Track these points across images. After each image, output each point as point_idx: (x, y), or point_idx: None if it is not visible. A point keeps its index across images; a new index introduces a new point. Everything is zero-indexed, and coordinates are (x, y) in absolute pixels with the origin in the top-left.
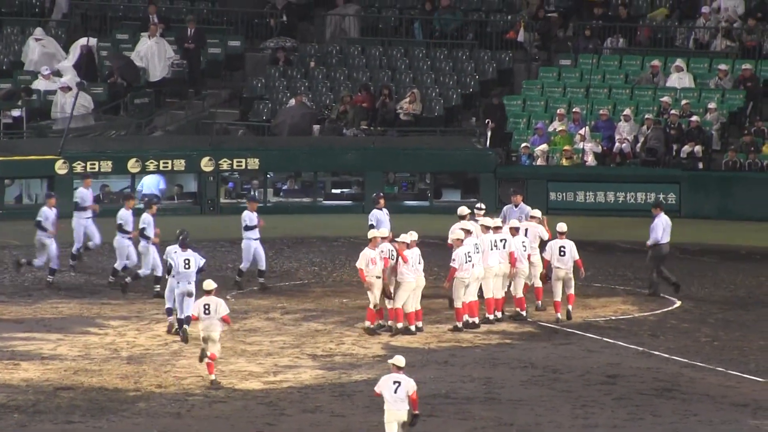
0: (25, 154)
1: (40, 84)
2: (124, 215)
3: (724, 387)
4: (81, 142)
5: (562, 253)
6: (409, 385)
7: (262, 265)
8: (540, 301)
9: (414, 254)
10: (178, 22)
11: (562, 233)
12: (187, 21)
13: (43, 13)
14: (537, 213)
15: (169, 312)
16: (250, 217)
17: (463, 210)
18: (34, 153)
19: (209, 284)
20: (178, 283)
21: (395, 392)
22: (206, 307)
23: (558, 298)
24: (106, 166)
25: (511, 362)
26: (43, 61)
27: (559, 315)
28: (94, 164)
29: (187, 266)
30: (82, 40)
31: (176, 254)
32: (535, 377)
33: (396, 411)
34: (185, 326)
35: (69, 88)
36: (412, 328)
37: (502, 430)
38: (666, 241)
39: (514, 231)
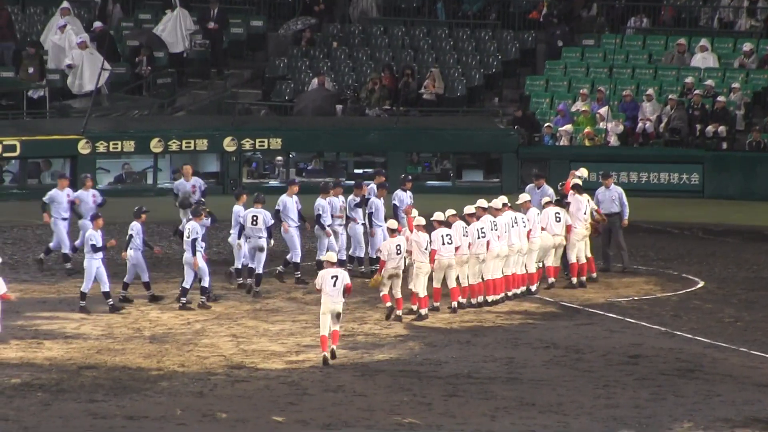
0: (48, 133)
1: (54, 38)
2: (56, 195)
3: (747, 367)
4: (104, 122)
5: (557, 219)
6: (345, 277)
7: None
8: (553, 279)
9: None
10: (201, 1)
11: (548, 202)
12: (211, 1)
13: None
14: (582, 173)
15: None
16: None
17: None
18: (57, 133)
19: (393, 223)
20: (249, 238)
21: (334, 285)
22: (398, 247)
23: (573, 260)
24: (129, 145)
25: (533, 342)
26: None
27: (574, 280)
28: (117, 144)
29: (254, 222)
30: (97, 24)
31: (246, 211)
32: (557, 357)
33: (333, 303)
34: (254, 286)
35: (86, 45)
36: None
37: (523, 410)
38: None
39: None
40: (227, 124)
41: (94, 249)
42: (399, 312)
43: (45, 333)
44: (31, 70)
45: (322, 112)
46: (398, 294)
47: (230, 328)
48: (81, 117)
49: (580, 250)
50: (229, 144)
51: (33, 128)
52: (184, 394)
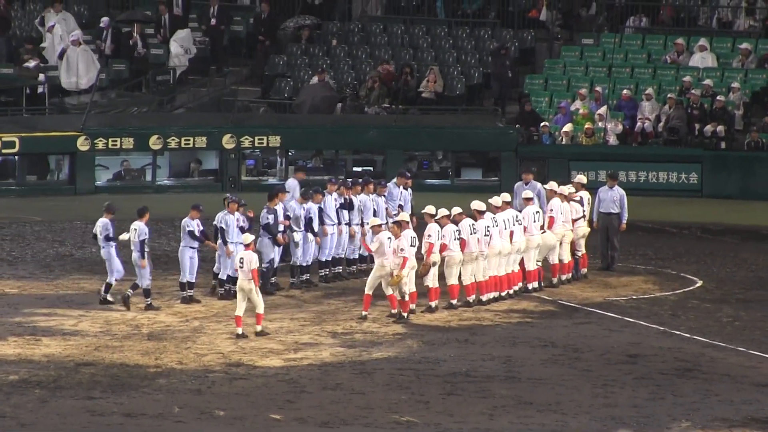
0: (47, 130)
1: (47, 39)
2: None
3: (745, 367)
4: (103, 119)
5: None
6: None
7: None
8: (555, 278)
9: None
10: None
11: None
12: None
13: None
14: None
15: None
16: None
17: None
18: (56, 129)
19: (431, 207)
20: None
21: (389, 246)
22: (413, 239)
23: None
24: (128, 142)
25: (531, 341)
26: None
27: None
28: (116, 141)
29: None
30: (104, 20)
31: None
32: (556, 356)
33: (387, 264)
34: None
35: (79, 43)
36: (433, 304)
37: (522, 409)
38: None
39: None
40: (226, 122)
41: (242, 231)
42: (424, 305)
43: (43, 330)
44: (32, 64)
45: (320, 111)
46: (413, 287)
47: (228, 325)
48: (80, 114)
49: (560, 251)
50: (228, 141)
51: (32, 125)
52: (182, 392)
